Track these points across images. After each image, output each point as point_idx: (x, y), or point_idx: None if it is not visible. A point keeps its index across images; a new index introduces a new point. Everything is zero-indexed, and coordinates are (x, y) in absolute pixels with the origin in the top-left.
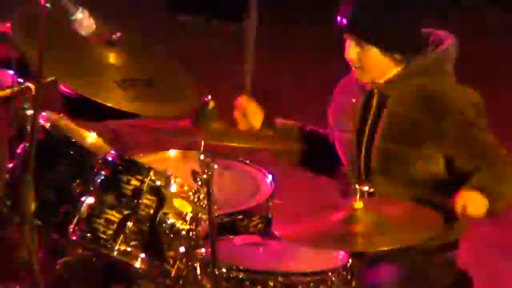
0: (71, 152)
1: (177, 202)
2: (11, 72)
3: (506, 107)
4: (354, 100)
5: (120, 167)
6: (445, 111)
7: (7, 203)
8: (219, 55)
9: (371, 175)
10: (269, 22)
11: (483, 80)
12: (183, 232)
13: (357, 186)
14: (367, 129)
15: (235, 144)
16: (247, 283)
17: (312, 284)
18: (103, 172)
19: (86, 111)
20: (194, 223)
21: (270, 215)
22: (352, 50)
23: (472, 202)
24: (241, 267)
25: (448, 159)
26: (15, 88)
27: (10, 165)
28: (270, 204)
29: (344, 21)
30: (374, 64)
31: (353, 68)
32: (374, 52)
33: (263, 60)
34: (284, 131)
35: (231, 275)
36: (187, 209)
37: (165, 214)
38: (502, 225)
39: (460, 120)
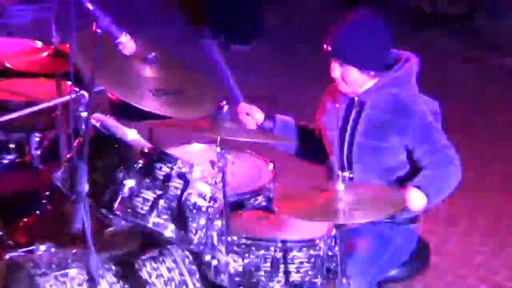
0: (116, 146)
1: (199, 185)
2: (69, 82)
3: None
4: (337, 105)
5: (154, 157)
6: (410, 115)
7: (66, 185)
8: (233, 69)
9: (352, 164)
10: (274, 41)
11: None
12: (203, 208)
13: (340, 173)
14: (348, 128)
15: (244, 139)
16: (253, 248)
17: (304, 248)
18: (141, 161)
19: (128, 113)
20: (212, 201)
21: (271, 195)
22: (336, 70)
23: (413, 199)
24: (248, 236)
25: (408, 152)
26: (73, 95)
27: (69, 156)
28: (271, 186)
29: (329, 48)
30: (354, 80)
31: (337, 83)
32: (353, 71)
33: (266, 70)
34: (283, 124)
35: (240, 242)
36: (207, 190)
37: (189, 194)
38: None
39: (421, 123)
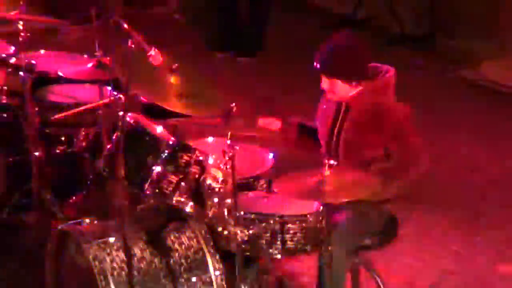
0: (146, 139)
1: (213, 170)
2: (109, 88)
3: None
4: (324, 107)
5: (177, 148)
6: (387, 119)
7: (106, 170)
8: (240, 77)
9: (339, 155)
10: (275, 55)
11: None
12: (216, 189)
13: (326, 160)
14: (337, 127)
15: (249, 134)
16: (256, 221)
17: (297, 222)
18: (166, 151)
19: (156, 112)
20: (223, 183)
21: (271, 179)
22: (325, 83)
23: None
24: (253, 211)
25: (385, 148)
26: (112, 98)
27: (108, 147)
28: (271, 172)
29: (318, 65)
30: (339, 90)
31: (326, 92)
32: (338, 83)
33: (268, 79)
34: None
35: (246, 216)
36: (219, 174)
37: (205, 177)
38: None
39: (396, 126)
